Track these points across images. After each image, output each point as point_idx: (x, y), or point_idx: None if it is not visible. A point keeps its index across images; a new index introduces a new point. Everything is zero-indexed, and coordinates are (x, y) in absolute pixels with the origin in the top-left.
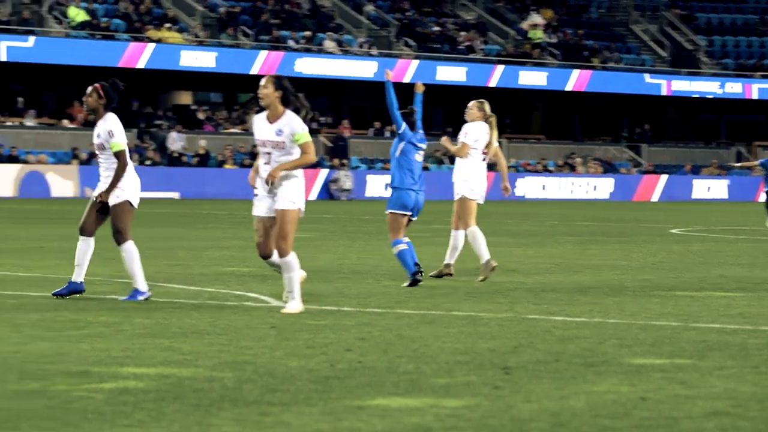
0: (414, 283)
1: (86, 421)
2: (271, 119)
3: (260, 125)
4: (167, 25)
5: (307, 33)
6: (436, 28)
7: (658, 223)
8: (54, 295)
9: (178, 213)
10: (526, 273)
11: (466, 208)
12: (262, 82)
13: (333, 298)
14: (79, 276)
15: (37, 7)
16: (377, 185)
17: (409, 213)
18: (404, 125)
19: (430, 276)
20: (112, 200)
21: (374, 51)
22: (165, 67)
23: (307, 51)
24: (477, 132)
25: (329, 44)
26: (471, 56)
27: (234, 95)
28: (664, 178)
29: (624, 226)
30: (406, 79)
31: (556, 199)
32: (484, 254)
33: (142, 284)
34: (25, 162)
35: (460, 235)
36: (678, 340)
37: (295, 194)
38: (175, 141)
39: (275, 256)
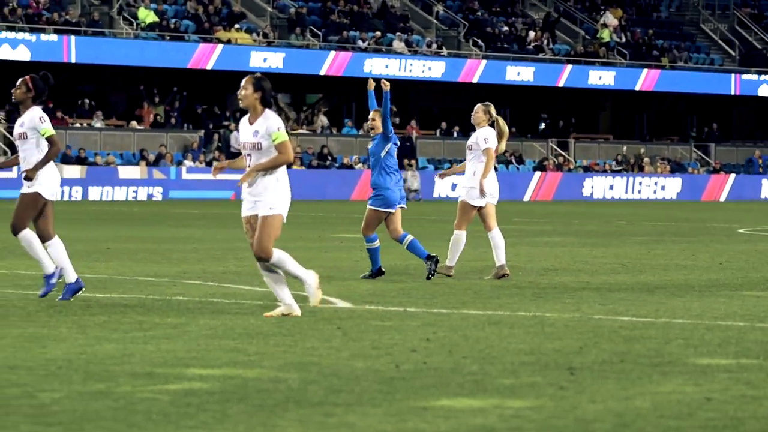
0: (372, 276)
1: (151, 422)
2: (252, 121)
3: (242, 127)
4: (236, 26)
5: (376, 33)
6: (505, 28)
7: (725, 223)
8: (59, 300)
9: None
10: (593, 273)
11: (466, 213)
12: (242, 83)
13: (398, 298)
14: (69, 275)
15: (107, 8)
16: (445, 186)
17: (392, 210)
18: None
19: (487, 278)
20: (24, 188)
21: (443, 51)
22: (234, 68)
23: (376, 51)
24: (492, 135)
25: (398, 45)
26: (540, 56)
27: (302, 96)
28: (732, 177)
29: (691, 226)
30: (475, 80)
31: (624, 199)
32: (453, 260)
33: (49, 267)
34: (93, 163)
35: (496, 234)
36: (744, 340)
37: (275, 199)
38: (237, 141)
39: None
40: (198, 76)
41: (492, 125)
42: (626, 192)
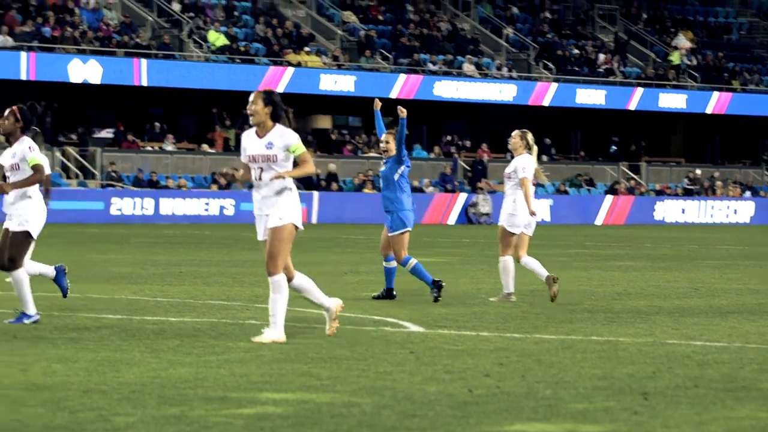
0: (436, 298)
1: None
2: (261, 134)
3: (249, 141)
4: (306, 48)
5: (447, 56)
6: (576, 51)
7: None
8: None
9: (316, 237)
10: (665, 297)
11: (505, 239)
12: (251, 98)
13: (471, 322)
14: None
15: (178, 31)
16: None
17: (410, 228)
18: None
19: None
20: (14, 226)
21: (513, 74)
22: (304, 91)
23: (446, 74)
24: (529, 164)
25: (468, 68)
26: (610, 79)
27: (373, 119)
28: None
29: (764, 250)
30: (545, 103)
31: (696, 223)
32: (509, 287)
33: (31, 309)
34: (165, 187)
35: (530, 261)
36: None
37: (285, 210)
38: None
39: (294, 280)
40: None
41: (529, 152)
42: (698, 216)
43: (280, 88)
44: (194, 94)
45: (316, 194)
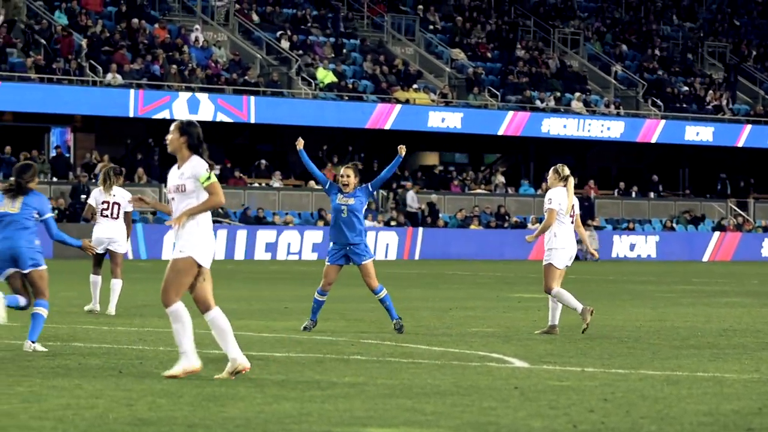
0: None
1: None
2: (179, 166)
3: (170, 173)
4: (414, 85)
5: (555, 93)
6: (685, 88)
7: None
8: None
9: (421, 273)
10: None
11: (549, 273)
12: (171, 128)
13: (576, 358)
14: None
15: (286, 69)
16: (623, 246)
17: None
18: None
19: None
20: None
21: (621, 111)
22: (412, 128)
23: (554, 111)
24: (559, 196)
25: (576, 104)
26: (719, 116)
27: (480, 156)
28: None
29: None
30: (653, 140)
31: None
32: (577, 305)
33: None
34: (272, 223)
35: (559, 292)
36: None
37: (187, 243)
38: (414, 200)
39: (210, 312)
40: (376, 136)
41: (565, 185)
42: None
43: (388, 125)
44: (302, 131)
45: (420, 230)
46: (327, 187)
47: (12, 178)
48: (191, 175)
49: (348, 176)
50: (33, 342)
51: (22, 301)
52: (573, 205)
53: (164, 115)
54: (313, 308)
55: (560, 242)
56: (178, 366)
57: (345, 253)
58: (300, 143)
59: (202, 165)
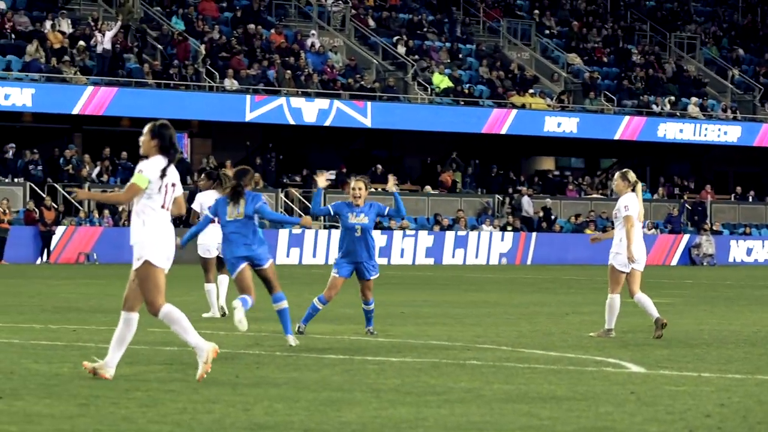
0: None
1: None
2: None
3: None
4: (530, 90)
5: (671, 98)
6: None
7: None
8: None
9: (537, 278)
10: None
11: (613, 276)
12: (144, 130)
13: (693, 363)
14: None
15: (402, 74)
16: (740, 251)
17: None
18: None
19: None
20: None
21: (738, 115)
22: (528, 133)
23: (671, 116)
24: (633, 202)
25: (693, 109)
26: None
27: (596, 161)
28: None
29: None
30: None
31: None
32: (612, 319)
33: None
34: (387, 228)
35: (641, 297)
36: None
37: (140, 248)
38: (529, 205)
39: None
40: (492, 141)
41: (633, 190)
42: None
43: (504, 130)
44: (418, 135)
45: (533, 235)
46: (334, 211)
47: (232, 182)
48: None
49: (360, 188)
50: (290, 334)
51: (250, 301)
52: (640, 211)
53: (280, 120)
54: (309, 314)
55: (625, 247)
56: (201, 363)
57: (355, 268)
58: (322, 181)
59: (144, 164)
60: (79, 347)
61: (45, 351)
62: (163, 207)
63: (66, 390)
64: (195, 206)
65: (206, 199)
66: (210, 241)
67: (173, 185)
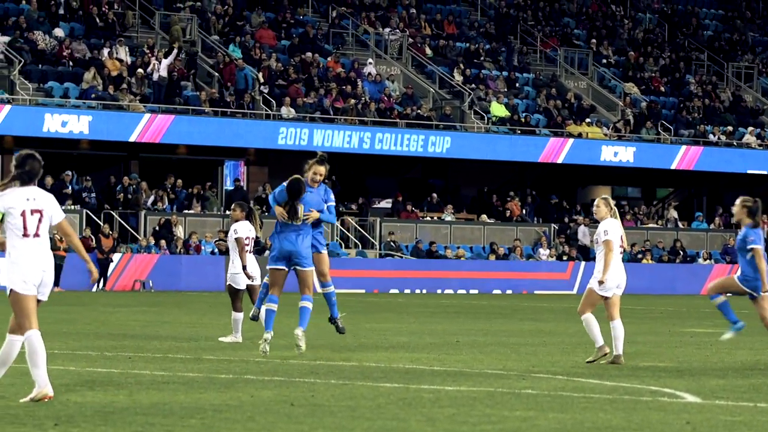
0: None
1: None
2: None
3: None
4: (587, 119)
5: (728, 127)
6: None
7: None
8: None
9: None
10: None
11: (588, 296)
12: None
13: (749, 393)
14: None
15: (459, 102)
16: None
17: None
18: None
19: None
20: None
21: None
22: (584, 162)
23: (728, 145)
24: (613, 227)
25: (750, 138)
26: None
27: (652, 190)
28: None
29: None
30: None
31: None
32: (598, 339)
33: None
34: (443, 257)
35: (617, 325)
36: None
37: (6, 279)
38: (585, 235)
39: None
40: (548, 170)
41: (613, 216)
42: None
43: (561, 159)
44: (474, 164)
45: (582, 264)
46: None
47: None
48: None
49: (321, 174)
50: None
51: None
52: (622, 236)
53: (337, 148)
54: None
55: (610, 271)
56: (33, 392)
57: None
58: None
59: None
60: (135, 375)
61: (101, 378)
62: (26, 235)
63: (121, 417)
64: (232, 236)
65: (242, 229)
66: (240, 273)
67: (39, 211)
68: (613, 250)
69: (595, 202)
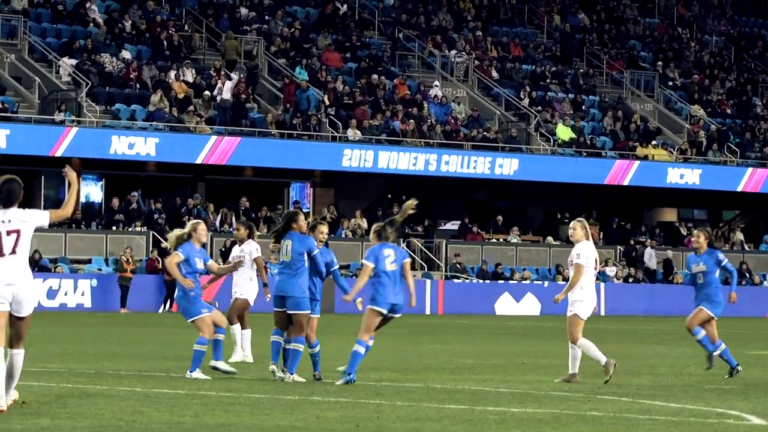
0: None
1: None
2: None
3: None
4: (653, 142)
5: None
6: None
7: None
8: None
9: (659, 329)
10: None
11: (575, 324)
12: None
13: None
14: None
15: (525, 124)
16: None
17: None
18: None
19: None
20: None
21: None
22: (650, 184)
23: None
24: (587, 251)
25: None
26: None
27: (719, 212)
28: None
29: None
30: None
31: None
32: (601, 357)
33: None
34: (509, 278)
35: (584, 343)
36: None
37: None
38: (652, 257)
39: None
40: (614, 192)
41: (588, 239)
42: None
43: (626, 181)
44: (540, 186)
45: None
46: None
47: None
48: None
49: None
50: (291, 374)
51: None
52: (596, 259)
53: (403, 170)
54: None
55: (586, 294)
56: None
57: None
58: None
59: None
60: (201, 396)
61: (167, 399)
62: (1, 255)
63: None
64: (249, 256)
65: (256, 248)
66: (255, 291)
67: (15, 232)
68: (584, 273)
69: (571, 225)
